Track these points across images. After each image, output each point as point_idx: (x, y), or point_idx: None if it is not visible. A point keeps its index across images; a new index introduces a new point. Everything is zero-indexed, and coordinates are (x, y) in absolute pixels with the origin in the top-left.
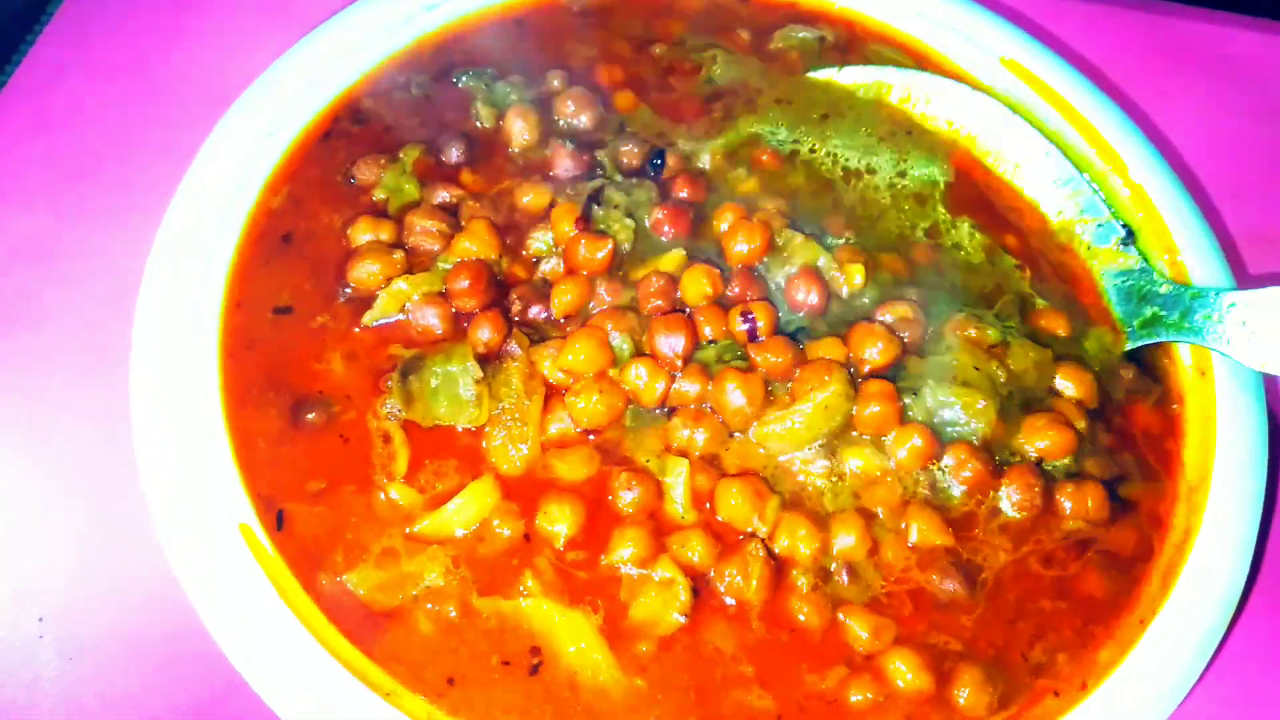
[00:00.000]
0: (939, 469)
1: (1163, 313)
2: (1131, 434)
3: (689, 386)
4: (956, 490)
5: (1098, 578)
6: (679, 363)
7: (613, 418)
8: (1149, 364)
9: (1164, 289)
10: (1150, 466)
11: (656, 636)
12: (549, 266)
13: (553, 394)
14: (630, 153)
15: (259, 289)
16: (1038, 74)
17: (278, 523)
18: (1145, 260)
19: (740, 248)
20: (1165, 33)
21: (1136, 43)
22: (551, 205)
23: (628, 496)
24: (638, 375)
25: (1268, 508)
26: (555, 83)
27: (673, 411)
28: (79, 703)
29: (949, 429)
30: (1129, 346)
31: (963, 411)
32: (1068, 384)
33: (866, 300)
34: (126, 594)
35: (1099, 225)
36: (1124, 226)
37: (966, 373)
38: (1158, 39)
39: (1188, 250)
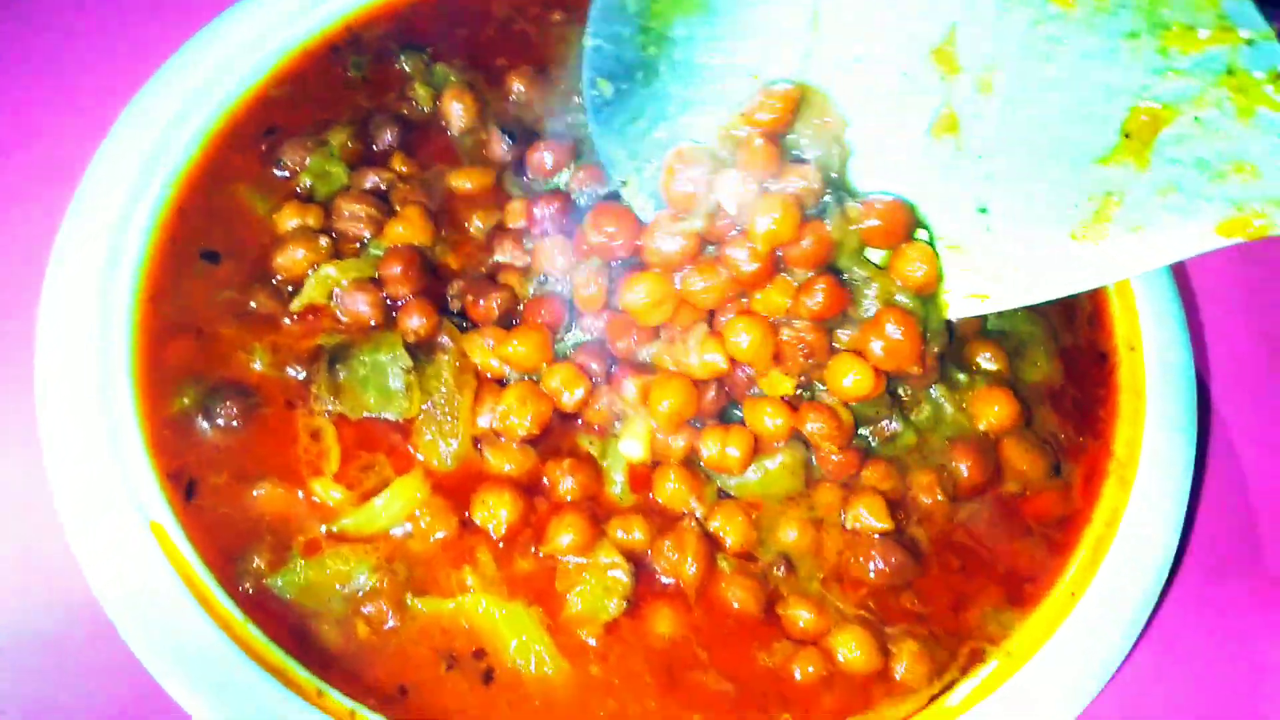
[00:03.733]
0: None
1: None
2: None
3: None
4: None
5: (1027, 545)
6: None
7: (543, 424)
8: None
9: None
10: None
11: (600, 623)
12: (504, 258)
13: (484, 385)
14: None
15: (173, 273)
16: None
17: (187, 493)
18: None
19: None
20: None
21: None
22: (494, 189)
23: (566, 483)
24: (559, 382)
25: (1196, 482)
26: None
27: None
28: None
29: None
30: (1266, 232)
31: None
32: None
33: None
34: (40, 596)
35: (1246, 46)
36: None
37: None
38: None
39: None
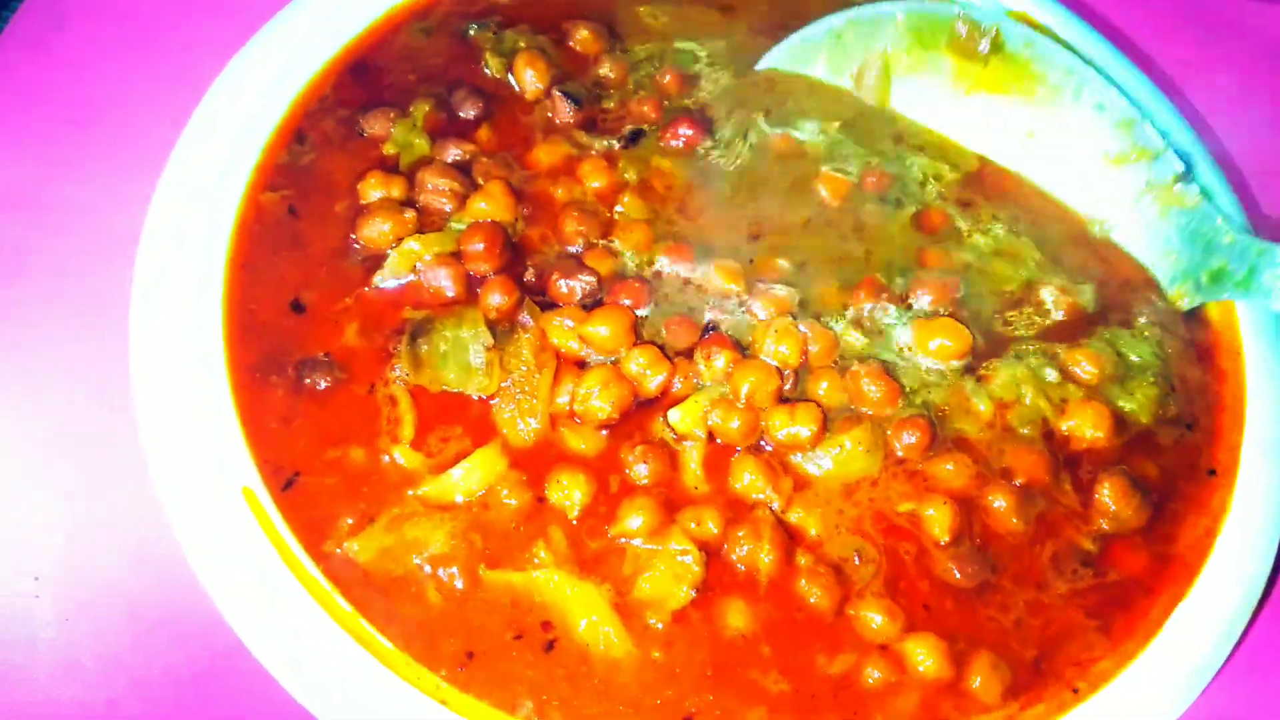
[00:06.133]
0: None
1: (1230, 267)
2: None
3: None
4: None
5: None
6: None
7: (624, 409)
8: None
9: (1227, 238)
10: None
11: (669, 610)
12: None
13: (564, 365)
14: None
15: (266, 243)
16: (1048, 26)
17: (286, 484)
18: (1209, 199)
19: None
20: (1199, 7)
21: (1169, 14)
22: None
23: (641, 470)
24: (639, 365)
25: None
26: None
27: None
28: (75, 663)
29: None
30: (1193, 303)
31: None
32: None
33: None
34: (125, 553)
35: (1155, 160)
36: (1181, 158)
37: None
38: (1191, 13)
39: None
